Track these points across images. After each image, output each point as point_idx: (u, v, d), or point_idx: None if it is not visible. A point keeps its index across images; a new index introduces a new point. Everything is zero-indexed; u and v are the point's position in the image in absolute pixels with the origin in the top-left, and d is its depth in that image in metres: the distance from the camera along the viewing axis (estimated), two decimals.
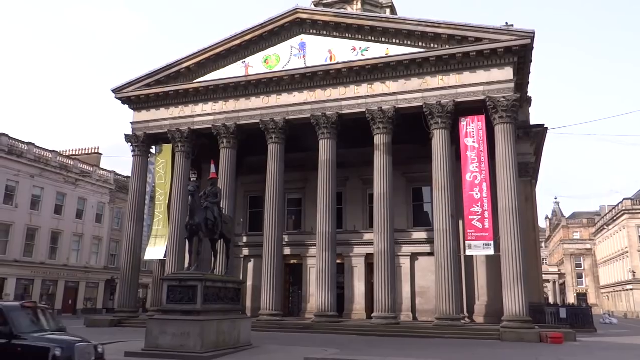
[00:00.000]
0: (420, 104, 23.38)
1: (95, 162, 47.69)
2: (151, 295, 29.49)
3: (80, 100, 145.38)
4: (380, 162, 23.64)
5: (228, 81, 26.53)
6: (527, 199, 27.62)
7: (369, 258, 26.82)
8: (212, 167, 19.55)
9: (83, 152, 47.71)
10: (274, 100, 25.94)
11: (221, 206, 18.80)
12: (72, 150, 47.63)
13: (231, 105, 26.83)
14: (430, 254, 25.24)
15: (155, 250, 27.44)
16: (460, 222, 24.44)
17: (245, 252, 30.26)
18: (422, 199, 28.44)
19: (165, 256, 26.69)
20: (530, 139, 28.62)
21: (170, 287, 14.20)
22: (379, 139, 23.91)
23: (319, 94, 25.20)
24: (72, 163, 42.92)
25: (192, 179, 26.68)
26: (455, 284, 21.44)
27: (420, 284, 26.63)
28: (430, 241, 25.32)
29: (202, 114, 27.28)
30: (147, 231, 28.53)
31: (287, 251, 28.69)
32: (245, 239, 30.50)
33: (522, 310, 20.14)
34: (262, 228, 26.36)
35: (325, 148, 24.72)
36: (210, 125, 27.03)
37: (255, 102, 26.29)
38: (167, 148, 28.53)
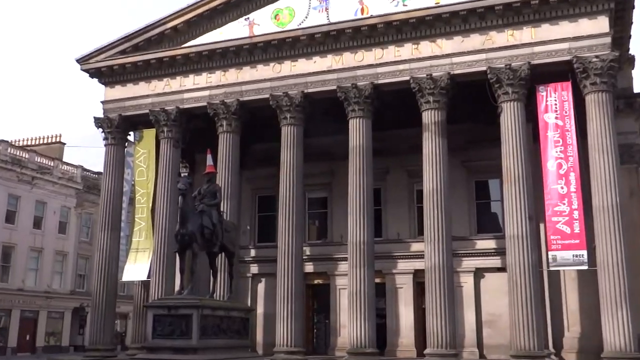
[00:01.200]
0: (483, 68, 23.26)
1: (57, 154, 48.41)
2: (132, 328, 29.79)
3: (39, 76, 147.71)
4: (431, 147, 23.58)
5: (227, 44, 26.73)
6: (633, 194, 27.33)
7: (418, 276, 26.89)
8: (209, 158, 19.88)
9: (41, 142, 48.50)
10: (287, 68, 26.06)
11: (221, 209, 19.27)
12: (28, 140, 48.33)
13: (232, 76, 27.03)
14: (501, 269, 25.17)
15: (137, 268, 27.87)
16: (541, 226, 24.32)
17: (254, 269, 30.62)
18: (488, 196, 28.42)
19: (149, 276, 27.12)
20: (635, 112, 28.41)
21: (157, 316, 14.59)
22: (429, 117, 23.88)
23: (348, 59, 25.25)
24: (27, 156, 43.47)
25: (182, 174, 27.10)
26: (536, 310, 21.29)
27: (488, 310, 26.62)
28: (500, 252, 25.23)
29: (194, 88, 27.59)
30: (126, 243, 29.05)
31: (309, 268, 28.97)
32: (253, 253, 30.88)
33: (628, 343, 19.76)
34: (275, 237, 26.60)
35: (356, 130, 24.80)
36: (205, 103, 27.30)
37: (264, 71, 26.39)
38: (150, 134, 28.94)
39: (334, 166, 29.04)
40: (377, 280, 25.83)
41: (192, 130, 28.62)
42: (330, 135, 28.10)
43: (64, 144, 49.94)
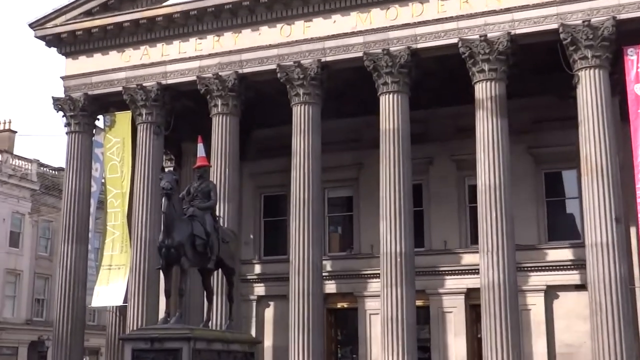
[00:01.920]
0: (554, 25, 22.97)
1: (7, 145, 48.87)
2: None
3: None
4: (486, 129, 23.39)
5: (221, 0, 26.79)
6: None
7: (471, 296, 26.87)
8: (200, 147, 19.87)
9: None
10: (299, 30, 26.15)
11: (217, 213, 19.15)
12: None
13: (228, 42, 27.18)
14: (580, 286, 25.18)
15: (110, 291, 28.05)
16: (632, 231, 24.32)
17: (260, 290, 30.88)
18: (562, 192, 28.51)
19: (125, 301, 27.32)
20: None
21: (137, 352, 14.37)
22: (484, 90, 23.67)
23: (377, 17, 25.13)
24: None
25: (167, 170, 26.89)
26: (626, 338, 20.94)
27: (563, 339, 26.45)
28: (578, 265, 25.15)
29: (180, 58, 27.83)
30: (95, 259, 29.43)
31: (330, 287, 29.20)
32: (258, 269, 31.21)
33: None
34: (286, 249, 26.89)
35: (389, 109, 24.72)
36: (194, 77, 27.40)
37: (269, 35, 26.60)
38: (124, 118, 29.19)
39: (362, 156, 29.28)
40: (419, 302, 25.74)
41: (178, 113, 28.90)
42: (356, 117, 28.31)
43: (15, 132, 50.39)
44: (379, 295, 24.75)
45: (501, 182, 23.06)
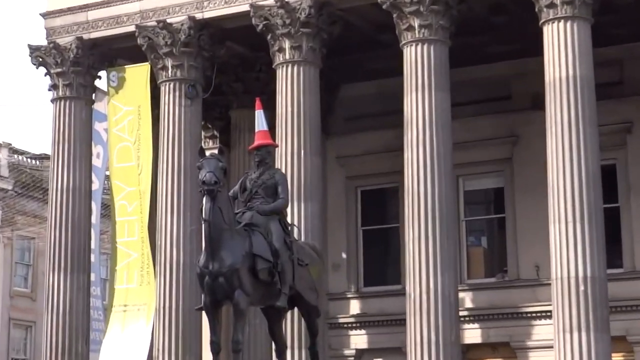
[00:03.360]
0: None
1: None
2: None
3: None
4: None
5: None
6: None
7: None
8: (260, 116, 19.51)
9: None
10: None
11: (290, 220, 19.56)
12: None
13: None
14: None
15: (125, 342, 28.63)
16: None
17: (360, 340, 31.48)
18: None
19: (150, 357, 27.94)
20: None
21: None
22: None
23: None
24: None
25: (208, 152, 27.25)
26: None
27: None
28: None
29: None
30: (102, 295, 30.53)
31: (472, 334, 29.86)
32: (356, 307, 31.95)
33: None
34: (398, 275, 27.90)
35: (554, 43, 24.96)
36: (246, 6, 27.97)
37: None
38: (139, 74, 30.16)
39: (515, 124, 30.27)
40: (617, 356, 25.82)
41: (223, 65, 30.09)
42: (503, 60, 28.86)
43: None
44: (551, 347, 24.97)
45: None
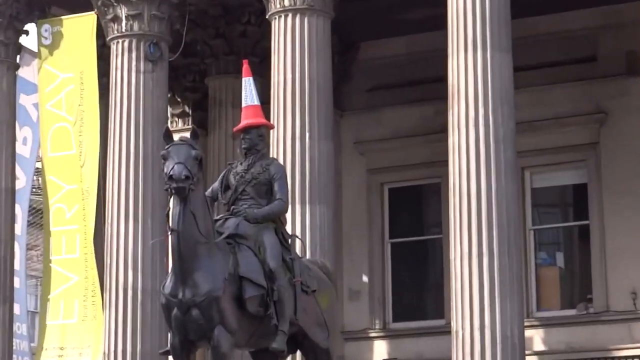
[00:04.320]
0: None
1: None
2: None
3: None
4: None
5: None
6: None
7: None
8: (248, 83, 19.25)
9: None
10: None
11: (291, 230, 19.14)
12: None
13: None
14: None
15: None
16: None
17: None
18: None
19: None
20: None
21: None
22: None
23: None
24: None
25: (177, 137, 27.17)
26: None
27: None
28: None
29: None
30: (28, 331, 31.50)
31: None
32: (383, 349, 32.27)
33: None
34: (441, 307, 28.82)
35: None
36: None
37: None
38: (81, 27, 30.30)
39: (604, 93, 30.35)
40: None
41: (196, 15, 30.97)
42: (585, 6, 29.88)
43: None
44: None
45: None
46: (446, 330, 26.30)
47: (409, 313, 32.40)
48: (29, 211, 30.56)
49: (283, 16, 27.30)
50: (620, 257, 29.64)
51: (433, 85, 26.90)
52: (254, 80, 17.92)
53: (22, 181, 30.67)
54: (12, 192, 30.33)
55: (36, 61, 31.00)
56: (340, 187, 28.72)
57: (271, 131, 24.49)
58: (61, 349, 28.90)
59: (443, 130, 26.48)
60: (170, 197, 15.24)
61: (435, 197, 30.89)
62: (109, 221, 28.13)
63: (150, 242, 26.97)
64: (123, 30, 28.90)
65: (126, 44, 28.28)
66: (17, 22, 30.74)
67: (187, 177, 14.74)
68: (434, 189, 31.00)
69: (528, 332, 27.40)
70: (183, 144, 15.05)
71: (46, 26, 30.31)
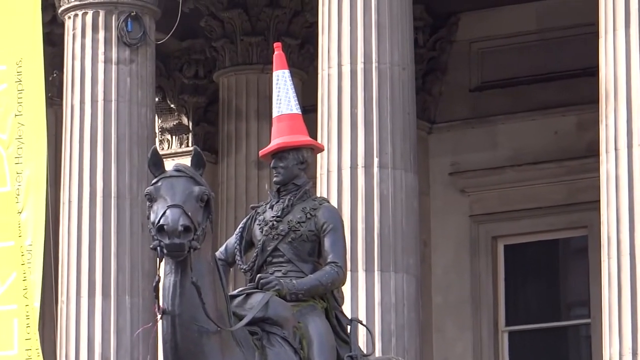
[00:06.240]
0: None
1: None
2: None
3: None
4: None
5: None
6: None
7: None
8: (283, 78, 17.61)
9: None
10: None
11: (350, 314, 17.49)
12: None
13: None
14: None
15: None
16: None
17: None
18: None
19: None
20: None
21: None
22: None
23: None
24: None
25: (172, 166, 28.16)
26: None
27: None
28: None
29: None
30: None
31: None
32: None
33: None
34: None
35: None
36: None
37: None
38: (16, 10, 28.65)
39: None
40: None
41: None
42: None
43: None
44: None
45: None
46: None
47: None
48: None
49: None
50: None
51: (575, 81, 25.19)
52: (291, 74, 16.24)
53: None
54: None
55: None
56: (429, 244, 27.02)
57: (319, 156, 23.39)
58: None
59: (591, 153, 25.69)
60: (161, 260, 13.01)
61: (579, 256, 27.97)
62: (64, 298, 28.45)
63: (135, 334, 27.29)
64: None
65: (88, 18, 28.76)
66: None
67: (186, 229, 12.35)
68: (575, 244, 28.13)
69: None
70: (180, 177, 12.65)
71: None
